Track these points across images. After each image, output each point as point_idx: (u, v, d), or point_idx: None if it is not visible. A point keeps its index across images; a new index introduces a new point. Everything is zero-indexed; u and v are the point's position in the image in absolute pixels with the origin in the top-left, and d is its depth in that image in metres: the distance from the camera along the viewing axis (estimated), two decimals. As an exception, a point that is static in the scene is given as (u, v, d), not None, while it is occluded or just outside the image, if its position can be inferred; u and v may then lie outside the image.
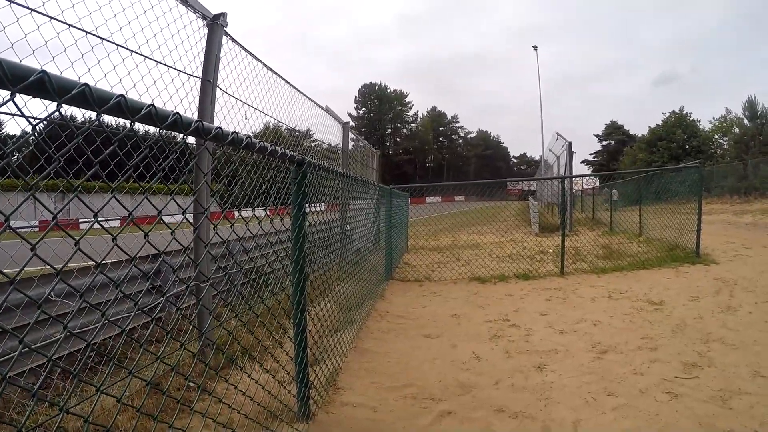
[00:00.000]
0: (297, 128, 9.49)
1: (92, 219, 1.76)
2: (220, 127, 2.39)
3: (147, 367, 4.75)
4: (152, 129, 2.02)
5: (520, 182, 49.18)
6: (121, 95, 1.72)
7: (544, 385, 4.97)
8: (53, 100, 1.51)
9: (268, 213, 3.86)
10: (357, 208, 8.17)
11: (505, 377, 5.24)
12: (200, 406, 3.89)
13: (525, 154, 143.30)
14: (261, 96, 7.42)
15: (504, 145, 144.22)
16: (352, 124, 14.52)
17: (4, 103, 1.36)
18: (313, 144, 11.55)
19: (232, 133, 2.53)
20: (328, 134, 12.28)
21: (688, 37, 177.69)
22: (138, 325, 5.96)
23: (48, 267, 1.58)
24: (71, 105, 1.59)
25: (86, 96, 1.58)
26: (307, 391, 4.21)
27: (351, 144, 14.14)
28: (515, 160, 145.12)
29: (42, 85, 1.43)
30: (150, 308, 5.97)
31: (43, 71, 1.43)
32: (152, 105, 1.88)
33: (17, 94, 1.39)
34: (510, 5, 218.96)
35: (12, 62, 1.36)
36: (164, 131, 2.02)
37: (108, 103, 1.68)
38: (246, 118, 7.00)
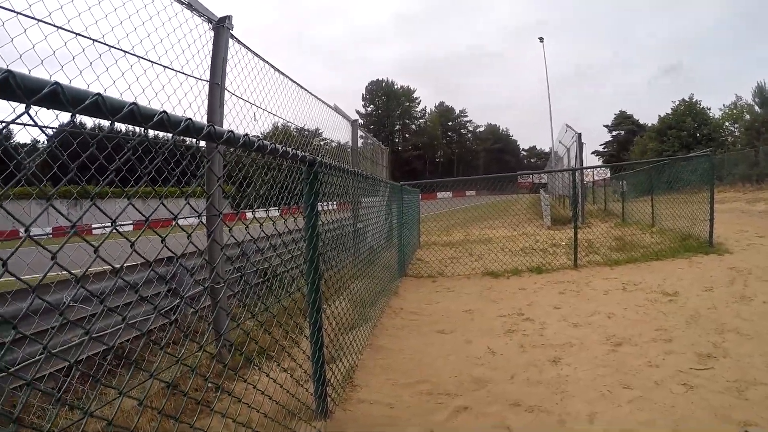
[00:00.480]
0: (306, 127, 9.53)
1: (105, 225, 1.78)
2: (231, 131, 2.42)
3: (166, 369, 4.79)
4: (161, 133, 2.04)
5: (531, 175, 48.93)
6: (134, 103, 1.75)
7: (559, 378, 4.98)
8: (67, 111, 1.53)
9: (280, 213, 3.89)
10: (368, 206, 8.19)
11: (520, 371, 5.25)
12: (219, 406, 3.92)
13: (534, 146, 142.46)
14: (269, 97, 7.46)
15: (513, 138, 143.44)
16: (360, 121, 14.53)
17: (20, 116, 1.38)
18: (322, 143, 11.57)
19: (244, 136, 2.55)
20: (337, 132, 12.32)
21: (688, 35, 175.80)
22: (155, 328, 6.01)
23: (66, 273, 1.62)
24: (85, 115, 1.62)
25: (99, 106, 1.61)
26: (325, 389, 4.25)
27: (360, 142, 14.16)
28: (525, 153, 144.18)
29: (56, 96, 1.46)
30: (167, 311, 6.03)
31: (56, 83, 1.45)
32: (164, 112, 1.90)
33: (31, 106, 1.41)
34: (508, 2, 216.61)
35: (25, 75, 1.38)
36: (176, 136, 2.05)
37: (121, 111, 1.70)
38: (255, 120, 7.05)
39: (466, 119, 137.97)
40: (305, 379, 4.22)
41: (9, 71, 1.30)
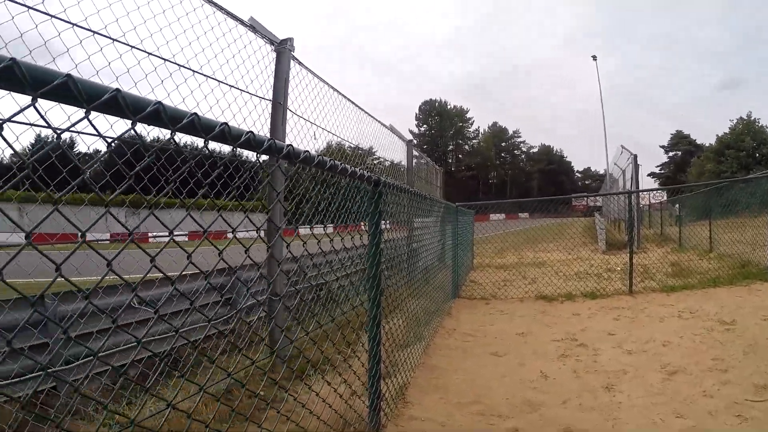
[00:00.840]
0: (360, 146, 9.73)
1: (163, 233, 1.92)
2: (307, 151, 2.58)
3: (233, 373, 4.96)
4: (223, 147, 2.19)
5: (585, 198, 48.20)
6: (225, 123, 1.94)
7: (612, 405, 4.95)
8: (167, 128, 1.70)
9: (336, 230, 4.02)
10: (424, 226, 8.27)
11: (573, 396, 5.25)
12: (274, 413, 4.05)
13: (589, 168, 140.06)
14: (327, 116, 7.71)
15: (567, 159, 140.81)
16: (414, 141, 14.67)
17: (125, 133, 1.54)
18: (376, 162, 11.73)
19: (318, 156, 2.71)
20: (391, 151, 12.48)
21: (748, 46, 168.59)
22: (213, 334, 6.23)
23: (159, 275, 1.76)
24: (182, 132, 1.79)
25: (195, 125, 1.78)
26: (379, 403, 4.35)
27: (414, 161, 14.29)
28: (579, 175, 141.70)
29: (158, 114, 1.62)
30: (228, 317, 6.24)
31: (159, 102, 1.61)
32: (251, 132, 2.09)
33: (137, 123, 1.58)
34: (562, 16, 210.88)
35: (130, 94, 1.55)
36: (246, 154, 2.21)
37: (213, 130, 1.87)
38: (315, 138, 7.28)
39: (519, 140, 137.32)
40: (357, 393, 4.30)
41: (117, 90, 1.46)
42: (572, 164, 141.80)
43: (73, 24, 4.08)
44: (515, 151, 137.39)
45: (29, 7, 3.85)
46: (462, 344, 7.44)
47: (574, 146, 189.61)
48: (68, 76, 1.31)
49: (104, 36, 4.31)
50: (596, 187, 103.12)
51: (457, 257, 11.76)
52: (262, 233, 2.40)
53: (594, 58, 60.69)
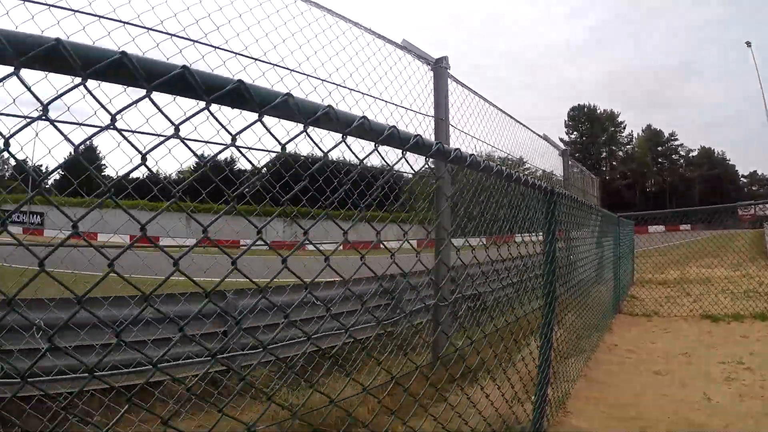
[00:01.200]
0: (510, 156, 9.90)
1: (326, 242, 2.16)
2: (508, 168, 2.80)
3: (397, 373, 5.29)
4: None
5: (754, 206, 44.55)
6: (439, 143, 2.19)
7: (776, 433, 4.77)
8: (370, 140, 2.00)
9: (492, 240, 4.18)
10: (588, 236, 8.22)
11: (736, 421, 5.09)
12: (435, 410, 4.27)
13: (755, 171, 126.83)
14: (484, 128, 8.01)
15: (731, 162, 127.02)
16: (567, 150, 14.58)
17: (333, 147, 1.78)
18: (527, 171, 11.79)
19: (506, 170, 2.95)
20: (544, 160, 12.57)
21: None
22: (379, 333, 6.69)
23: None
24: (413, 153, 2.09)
25: (420, 145, 2.01)
26: (544, 408, 4.45)
27: (569, 170, 14.20)
28: (744, 180, 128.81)
29: (362, 127, 1.89)
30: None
31: (364, 117, 1.89)
32: (458, 149, 2.31)
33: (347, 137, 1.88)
34: (704, 5, 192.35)
35: (343, 111, 1.82)
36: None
37: (431, 149, 2.18)
38: (476, 151, 7.55)
39: (676, 143, 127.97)
40: (522, 398, 4.42)
41: (330, 106, 1.73)
42: (736, 168, 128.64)
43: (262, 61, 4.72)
44: (673, 156, 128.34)
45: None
46: (623, 360, 7.40)
47: (738, 148, 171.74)
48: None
49: (284, 68, 5.19)
50: (765, 194, 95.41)
51: (618, 271, 11.53)
52: (414, 243, 2.58)
53: (748, 44, 56.22)
